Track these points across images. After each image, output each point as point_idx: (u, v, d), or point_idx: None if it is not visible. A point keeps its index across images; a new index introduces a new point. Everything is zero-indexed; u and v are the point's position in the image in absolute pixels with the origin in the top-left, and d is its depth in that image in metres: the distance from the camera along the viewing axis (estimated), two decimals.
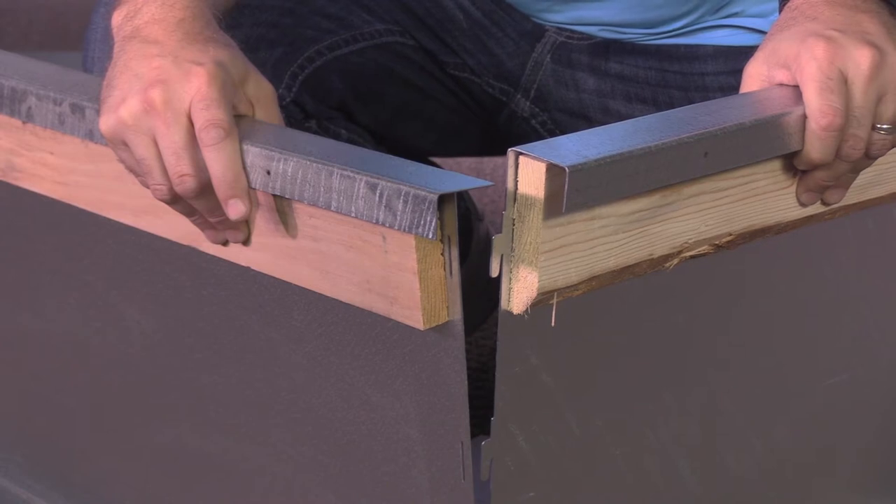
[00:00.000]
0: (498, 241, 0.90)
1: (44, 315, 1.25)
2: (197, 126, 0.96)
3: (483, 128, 1.48)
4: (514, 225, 0.89)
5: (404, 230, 0.88)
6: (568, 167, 0.86)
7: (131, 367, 1.19)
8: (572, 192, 0.87)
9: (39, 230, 1.20)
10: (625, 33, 1.39)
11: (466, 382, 0.94)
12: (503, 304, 0.92)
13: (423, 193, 0.87)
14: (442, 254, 0.91)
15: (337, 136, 1.35)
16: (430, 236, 0.87)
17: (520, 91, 1.42)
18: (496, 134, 1.48)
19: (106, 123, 0.99)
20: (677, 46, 1.38)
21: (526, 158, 0.88)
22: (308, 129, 1.33)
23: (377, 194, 0.89)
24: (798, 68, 0.99)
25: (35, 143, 1.13)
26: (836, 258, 1.14)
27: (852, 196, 1.08)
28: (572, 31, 1.40)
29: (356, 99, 1.38)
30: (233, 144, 0.96)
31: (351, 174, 0.90)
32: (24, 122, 1.13)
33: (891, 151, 1.05)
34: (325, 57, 1.34)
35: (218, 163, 0.96)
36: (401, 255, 0.91)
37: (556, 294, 0.92)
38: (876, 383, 1.24)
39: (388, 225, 0.89)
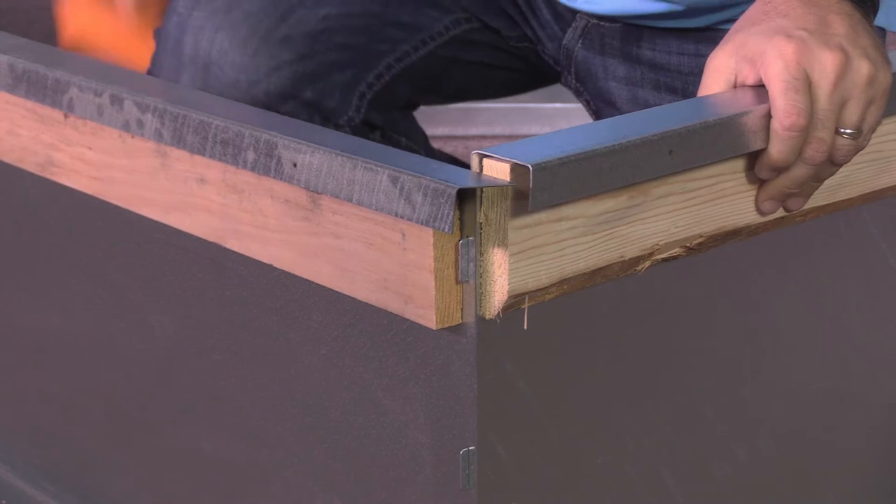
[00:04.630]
0: (466, 246, 0.91)
1: (69, 315, 1.27)
2: None
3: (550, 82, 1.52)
4: (481, 228, 0.90)
5: (422, 223, 0.89)
6: (532, 165, 0.87)
7: (150, 369, 1.20)
8: (537, 190, 0.87)
9: (69, 227, 1.22)
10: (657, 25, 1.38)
11: (476, 386, 0.94)
12: (476, 308, 0.92)
13: (443, 187, 0.88)
14: (458, 254, 0.92)
15: (397, 145, 1.36)
16: (447, 230, 0.88)
17: (565, 70, 1.44)
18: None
19: None
20: (716, 31, 1.35)
21: (490, 160, 0.89)
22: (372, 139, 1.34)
23: (398, 187, 0.90)
24: (764, 65, 0.99)
25: (75, 138, 1.15)
26: (810, 261, 1.13)
27: (822, 198, 1.08)
28: (602, 16, 1.40)
29: (423, 95, 1.40)
30: None
31: (374, 167, 0.92)
32: (65, 116, 1.15)
33: (859, 153, 1.05)
34: (393, 70, 1.36)
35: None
36: (418, 252, 0.92)
37: (527, 297, 0.92)
38: (858, 388, 1.22)
39: (406, 218, 0.90)
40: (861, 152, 1.04)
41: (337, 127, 1.34)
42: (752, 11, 1.04)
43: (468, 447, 0.96)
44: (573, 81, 1.44)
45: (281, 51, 1.31)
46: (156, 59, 1.37)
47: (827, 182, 1.06)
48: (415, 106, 1.43)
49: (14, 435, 1.42)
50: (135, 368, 1.22)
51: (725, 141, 0.97)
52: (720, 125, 0.96)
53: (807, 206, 1.07)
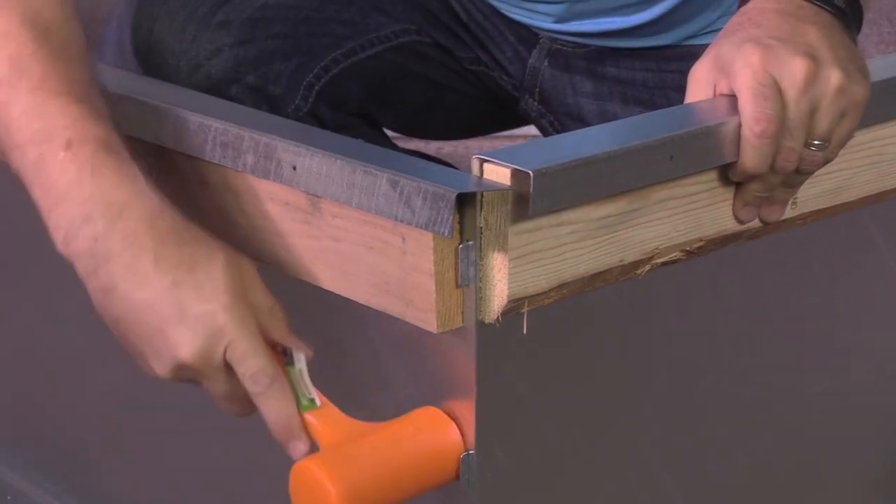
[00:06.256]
0: (466, 250, 0.91)
1: (70, 315, 1.27)
2: None
3: (506, 114, 1.50)
4: (481, 233, 0.90)
5: (421, 227, 0.89)
6: (532, 171, 0.87)
7: None
8: (538, 196, 0.87)
9: None
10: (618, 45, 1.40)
11: (476, 390, 0.94)
12: (476, 313, 0.92)
13: (442, 191, 0.87)
14: (459, 258, 0.92)
15: None
16: (447, 234, 0.88)
17: (526, 92, 1.44)
18: (518, 119, 1.49)
19: None
20: (674, 48, 1.37)
21: (490, 165, 0.89)
22: None
23: (397, 191, 0.90)
24: (733, 75, 0.98)
25: None
26: (810, 264, 1.13)
27: (822, 201, 1.07)
28: (565, 41, 1.41)
29: (375, 103, 1.38)
30: None
31: (374, 171, 0.91)
32: None
33: (861, 154, 1.04)
34: (341, 65, 1.34)
35: None
36: (418, 256, 0.92)
37: (526, 302, 0.92)
38: (858, 390, 1.22)
39: (405, 222, 0.90)
40: (862, 155, 1.04)
41: (285, 116, 1.33)
42: (729, 24, 1.04)
43: (468, 450, 0.96)
44: (535, 104, 1.44)
45: (220, 35, 1.30)
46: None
47: (827, 185, 1.06)
48: (373, 119, 1.42)
49: (14, 435, 1.43)
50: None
51: (727, 145, 0.97)
52: (722, 130, 0.96)
53: (807, 210, 1.06)
